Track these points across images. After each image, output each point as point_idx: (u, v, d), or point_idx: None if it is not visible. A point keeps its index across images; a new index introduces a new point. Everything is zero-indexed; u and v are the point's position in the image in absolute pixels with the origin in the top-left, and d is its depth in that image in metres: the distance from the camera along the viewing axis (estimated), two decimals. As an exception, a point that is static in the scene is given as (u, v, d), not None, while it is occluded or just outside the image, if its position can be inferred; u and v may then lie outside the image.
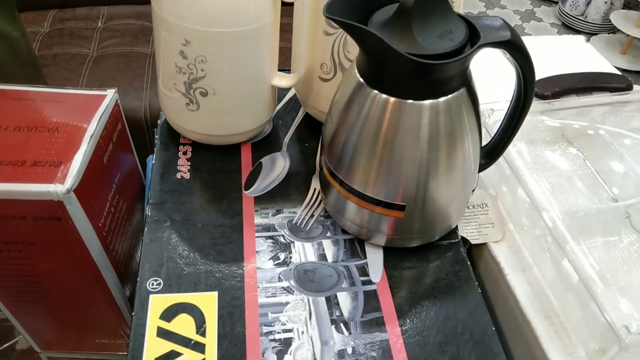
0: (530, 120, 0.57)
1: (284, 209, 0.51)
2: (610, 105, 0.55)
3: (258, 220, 0.50)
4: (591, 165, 0.55)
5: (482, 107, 0.55)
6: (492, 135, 0.49)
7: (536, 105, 0.56)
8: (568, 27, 2.39)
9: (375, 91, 0.40)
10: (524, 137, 0.57)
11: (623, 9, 2.29)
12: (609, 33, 2.33)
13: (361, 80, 0.41)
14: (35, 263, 0.49)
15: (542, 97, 0.58)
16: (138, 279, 0.45)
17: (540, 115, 0.55)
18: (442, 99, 0.40)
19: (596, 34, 2.34)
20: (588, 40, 0.76)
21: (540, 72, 0.72)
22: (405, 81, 0.39)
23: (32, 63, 0.74)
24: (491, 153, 0.49)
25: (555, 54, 0.76)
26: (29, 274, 0.52)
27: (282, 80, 0.54)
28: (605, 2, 2.27)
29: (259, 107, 0.55)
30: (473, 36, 0.39)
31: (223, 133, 0.55)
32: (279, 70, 0.55)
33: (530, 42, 0.77)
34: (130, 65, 1.31)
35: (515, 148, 0.53)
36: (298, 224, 0.50)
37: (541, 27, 2.40)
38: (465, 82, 0.41)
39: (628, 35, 2.12)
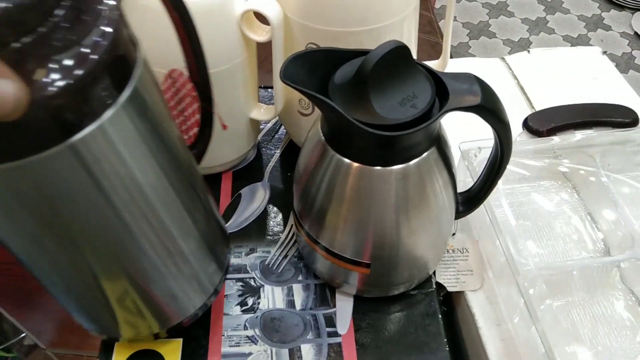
0: (521, 159, 0.54)
1: (257, 247, 0.51)
2: (611, 144, 0.51)
3: (230, 259, 0.49)
4: (584, 209, 0.52)
5: (469, 146, 0.52)
6: (475, 180, 0.47)
7: (529, 142, 0.53)
8: (611, 1, 2.24)
9: (339, 155, 0.38)
10: (513, 175, 0.54)
11: (672, -18, 2.11)
12: (655, 8, 2.17)
13: (324, 141, 0.39)
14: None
15: (537, 132, 0.54)
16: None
17: (533, 154, 0.52)
18: (409, 163, 0.37)
19: (641, 10, 2.18)
20: (605, 52, 0.70)
21: (549, 87, 0.68)
22: (368, 149, 0.37)
23: None
24: (470, 201, 0.46)
25: (569, 66, 0.71)
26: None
27: (261, 113, 0.52)
28: (653, -25, 2.10)
29: (239, 139, 0.53)
30: (443, 93, 0.37)
31: (203, 165, 0.54)
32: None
33: (543, 55, 0.73)
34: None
35: (500, 189, 0.50)
36: (270, 265, 0.49)
37: (581, 2, 2.26)
38: (435, 140, 0.39)
39: (675, 12, 1.96)
